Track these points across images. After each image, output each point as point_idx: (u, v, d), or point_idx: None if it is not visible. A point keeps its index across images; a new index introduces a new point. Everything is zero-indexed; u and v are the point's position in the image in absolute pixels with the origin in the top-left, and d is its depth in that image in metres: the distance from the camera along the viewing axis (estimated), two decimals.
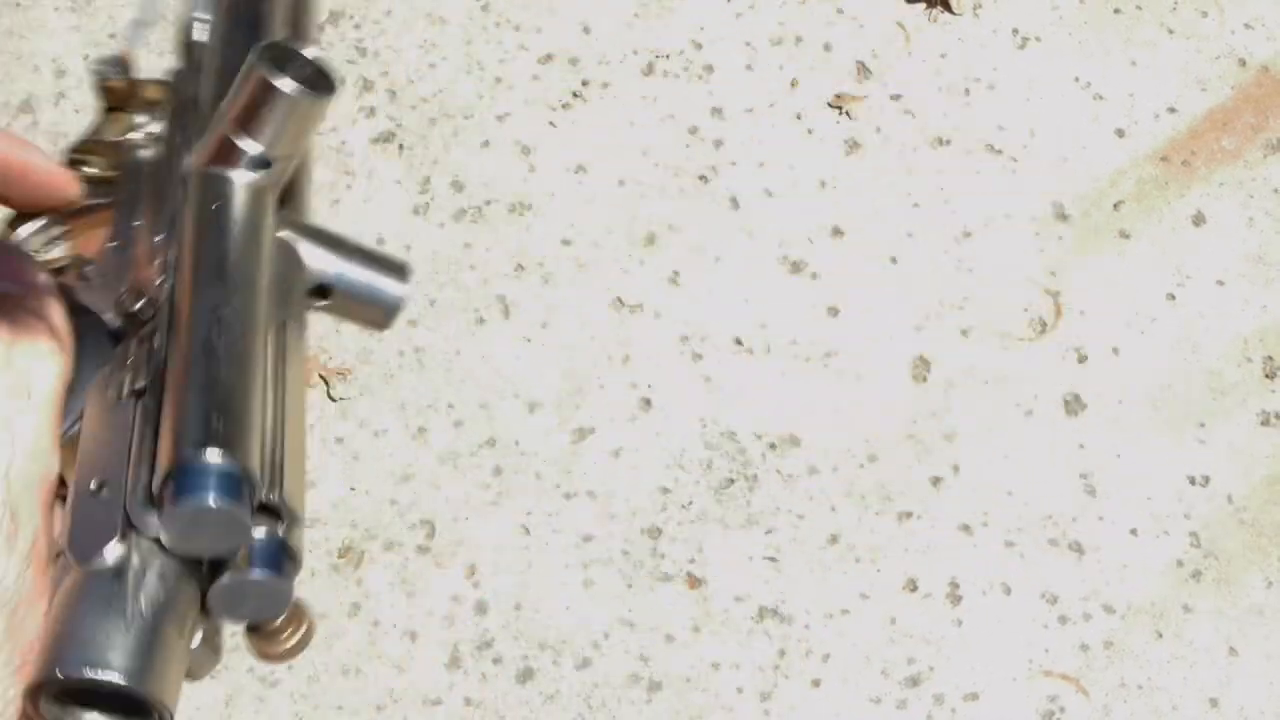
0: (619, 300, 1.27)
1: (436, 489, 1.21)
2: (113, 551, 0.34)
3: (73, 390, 0.39)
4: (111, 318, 0.41)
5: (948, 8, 1.41)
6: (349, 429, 1.21)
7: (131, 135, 0.48)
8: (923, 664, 1.18)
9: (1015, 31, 1.41)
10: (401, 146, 1.33)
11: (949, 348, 1.28)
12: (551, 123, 1.33)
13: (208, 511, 0.33)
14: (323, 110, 0.42)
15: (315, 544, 1.17)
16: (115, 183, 0.47)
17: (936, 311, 1.29)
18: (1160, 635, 1.21)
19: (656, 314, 1.27)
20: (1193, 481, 1.26)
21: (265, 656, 0.41)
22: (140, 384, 0.38)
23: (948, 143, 1.36)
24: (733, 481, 1.23)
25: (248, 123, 0.41)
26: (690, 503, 1.22)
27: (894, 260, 1.31)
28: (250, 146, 0.41)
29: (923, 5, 1.41)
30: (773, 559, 1.21)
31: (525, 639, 1.18)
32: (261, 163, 0.42)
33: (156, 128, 0.48)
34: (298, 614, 0.39)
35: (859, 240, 1.31)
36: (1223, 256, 1.34)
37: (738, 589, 1.20)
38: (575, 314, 1.27)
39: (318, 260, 0.45)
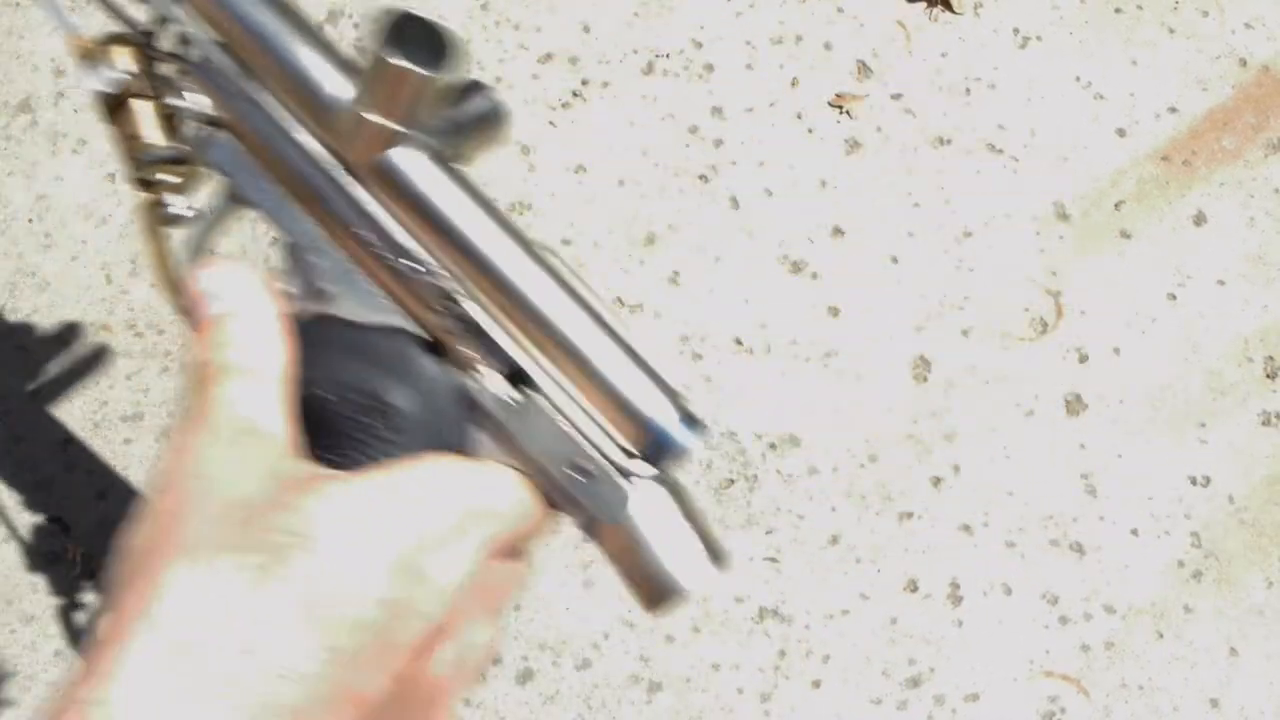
0: (619, 300, 1.27)
1: None
2: (630, 503, 0.44)
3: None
4: (410, 325, 0.46)
5: (948, 7, 1.40)
6: None
7: (173, 126, 0.48)
8: (923, 664, 1.18)
9: (1016, 31, 1.41)
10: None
11: (949, 347, 1.28)
12: (551, 122, 1.33)
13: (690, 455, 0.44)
14: (458, 77, 0.44)
15: None
16: (193, 180, 0.49)
17: (937, 311, 1.29)
18: (1161, 635, 1.20)
19: (656, 314, 1.27)
20: (1193, 482, 1.26)
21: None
22: (511, 373, 0.45)
23: (948, 142, 1.36)
24: (733, 482, 1.22)
25: (394, 111, 0.42)
26: None
27: (894, 260, 1.31)
28: (406, 126, 0.43)
29: (923, 4, 1.41)
30: (773, 559, 1.20)
31: (525, 639, 1.18)
32: (425, 134, 0.44)
33: (187, 104, 0.47)
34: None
35: (859, 240, 1.31)
36: (1223, 256, 1.34)
37: (738, 589, 1.19)
38: None
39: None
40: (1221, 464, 1.26)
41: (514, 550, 0.44)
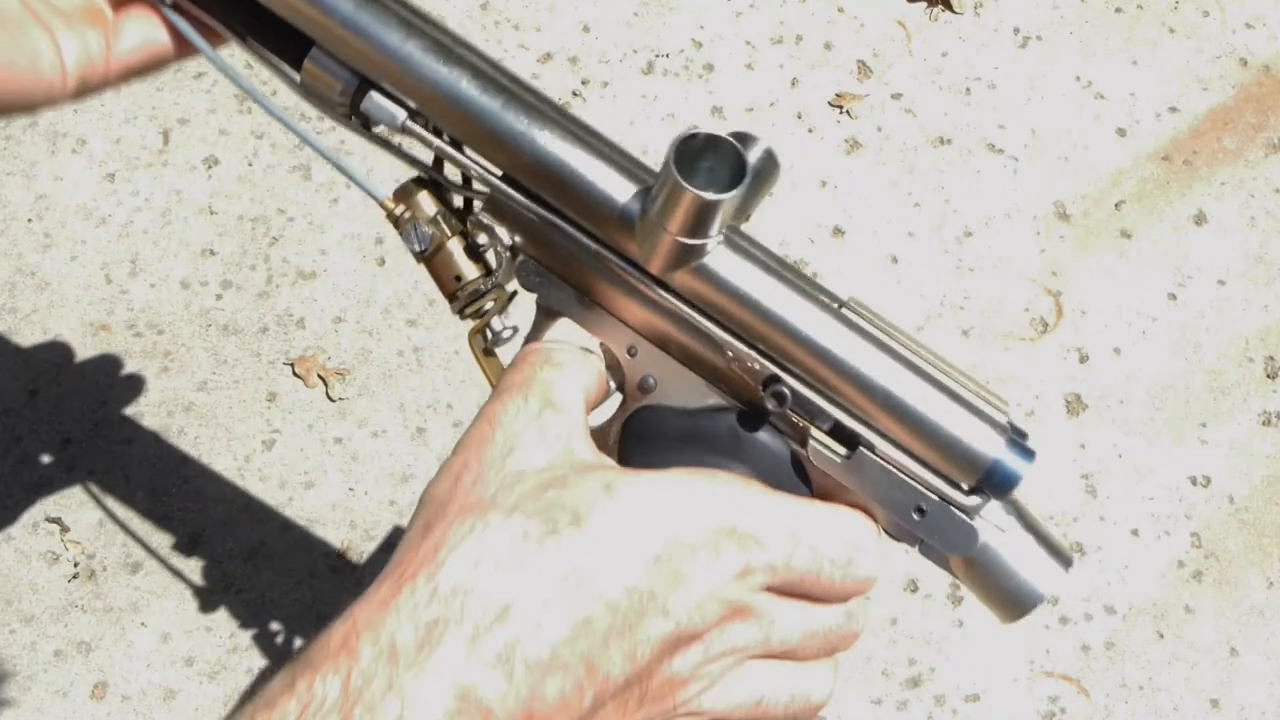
0: None
1: None
2: (980, 537, 0.47)
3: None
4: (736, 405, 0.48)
5: (949, 7, 1.40)
6: (348, 429, 1.20)
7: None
8: (923, 665, 1.18)
9: (1016, 30, 1.41)
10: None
11: (950, 347, 1.28)
12: None
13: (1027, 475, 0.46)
14: (749, 199, 0.47)
15: (314, 545, 1.17)
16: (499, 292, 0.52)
17: (937, 311, 1.29)
18: (1161, 636, 1.20)
19: None
20: (1194, 482, 1.26)
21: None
22: (841, 430, 0.47)
23: (948, 142, 1.35)
24: None
25: (693, 231, 0.44)
26: None
27: (894, 260, 1.31)
28: (700, 240, 0.45)
29: (923, 4, 1.41)
30: None
31: None
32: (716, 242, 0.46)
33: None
34: None
35: (859, 240, 1.31)
36: (1224, 256, 1.34)
37: None
38: None
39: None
40: (1222, 464, 1.26)
41: (827, 594, 0.46)
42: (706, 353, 0.47)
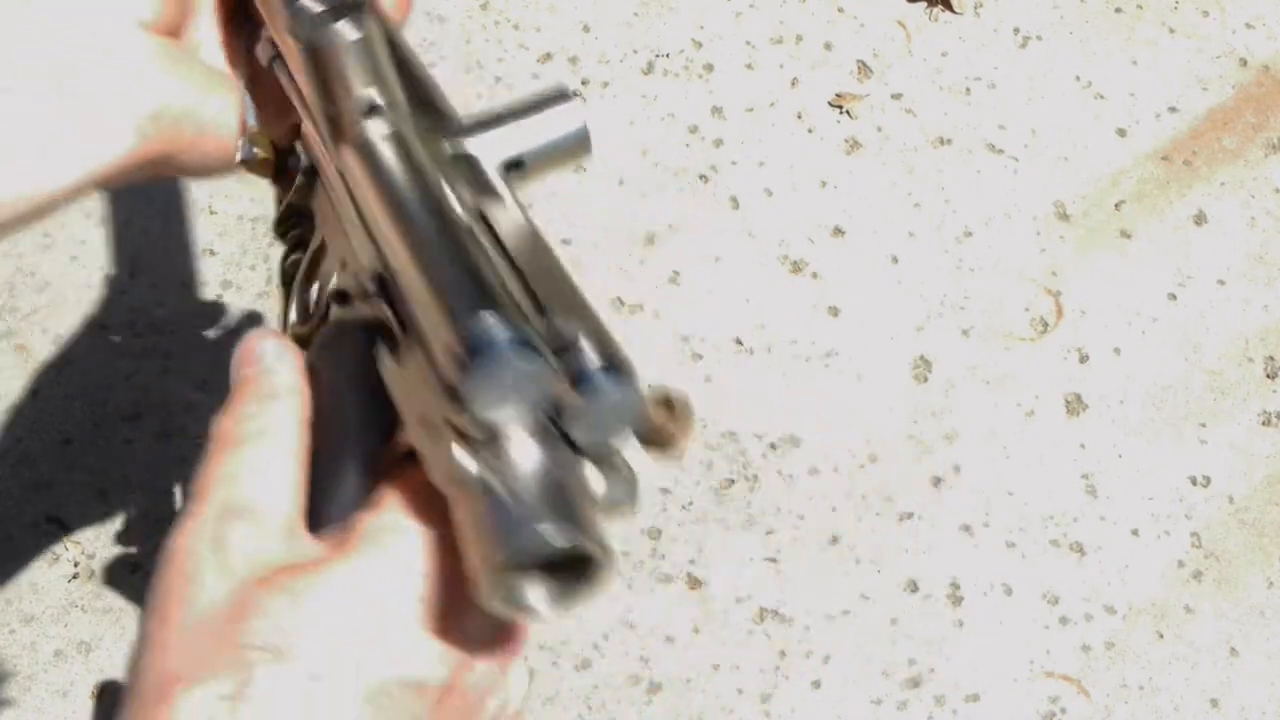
0: (619, 300, 1.27)
1: None
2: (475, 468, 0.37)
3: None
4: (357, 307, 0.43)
5: (949, 7, 1.40)
6: None
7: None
8: (923, 665, 1.18)
9: (1016, 30, 1.41)
10: None
11: (950, 348, 1.28)
12: None
13: (507, 370, 0.34)
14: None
15: None
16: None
17: (937, 311, 1.29)
18: (1161, 636, 1.20)
19: (656, 314, 1.27)
20: (1194, 482, 1.26)
21: (668, 450, 0.40)
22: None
23: (948, 142, 1.36)
24: (733, 482, 1.22)
25: (330, 91, 0.41)
26: (690, 503, 1.21)
27: (894, 260, 1.31)
28: (355, 101, 0.41)
29: (923, 4, 1.41)
30: (773, 560, 1.20)
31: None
32: (372, 108, 0.42)
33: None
34: (663, 403, 0.39)
35: (859, 240, 1.31)
36: (1224, 256, 1.34)
37: (738, 590, 1.19)
38: None
39: (487, 147, 0.46)
40: (1222, 464, 1.26)
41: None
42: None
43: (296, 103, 0.46)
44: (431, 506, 0.38)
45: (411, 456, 0.40)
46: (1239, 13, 1.43)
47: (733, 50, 1.37)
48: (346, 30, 0.40)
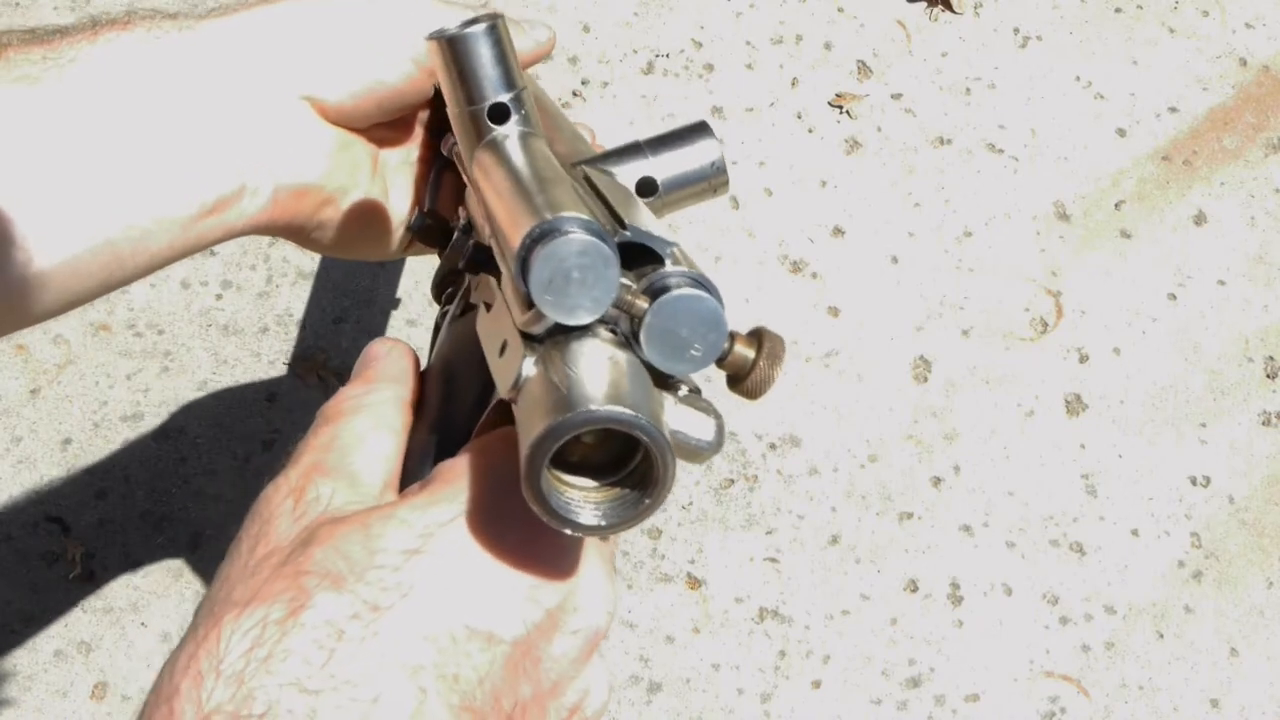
0: None
1: None
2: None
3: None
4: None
5: (949, 6, 1.40)
6: None
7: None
8: (923, 665, 1.18)
9: (1016, 30, 1.40)
10: None
11: (950, 348, 1.28)
12: None
13: (570, 252, 0.34)
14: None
15: None
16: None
17: (937, 311, 1.29)
18: (1161, 636, 1.20)
19: None
20: (1194, 482, 1.26)
21: (751, 391, 0.40)
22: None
23: (948, 142, 1.35)
24: (733, 482, 1.22)
25: (471, 87, 0.43)
26: (690, 503, 1.21)
27: (894, 260, 1.31)
28: (491, 97, 0.44)
29: (923, 4, 1.41)
30: (773, 560, 1.20)
31: None
32: (503, 112, 0.44)
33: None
34: (753, 335, 0.39)
35: (859, 240, 1.31)
36: (1224, 256, 1.34)
37: (738, 590, 1.19)
38: None
39: (629, 175, 0.49)
40: (1222, 464, 1.26)
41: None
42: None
43: (450, 107, 0.47)
44: (506, 454, 0.38)
45: (495, 424, 0.41)
46: (1239, 13, 1.43)
47: (733, 50, 1.37)
48: (480, 27, 0.43)
